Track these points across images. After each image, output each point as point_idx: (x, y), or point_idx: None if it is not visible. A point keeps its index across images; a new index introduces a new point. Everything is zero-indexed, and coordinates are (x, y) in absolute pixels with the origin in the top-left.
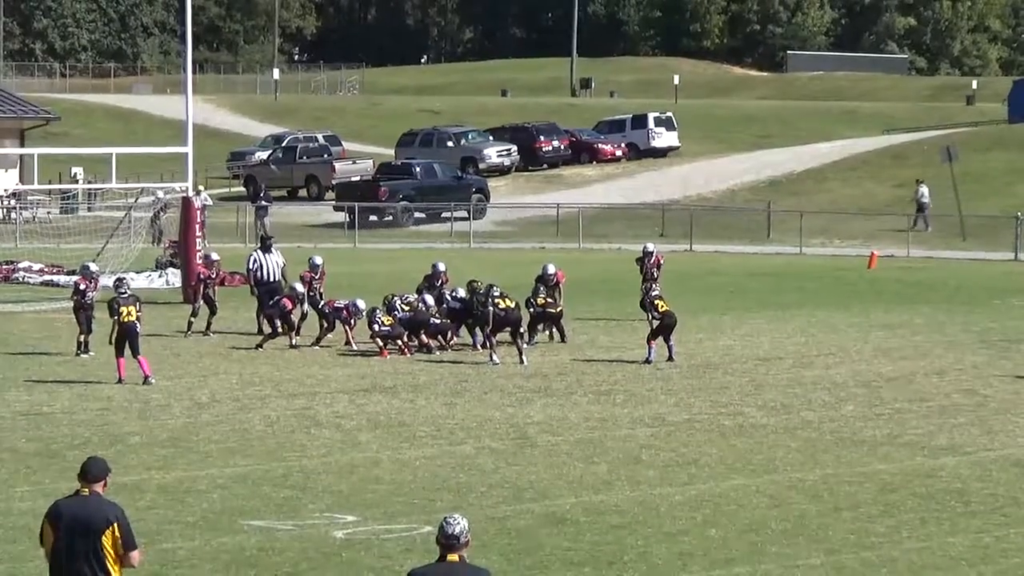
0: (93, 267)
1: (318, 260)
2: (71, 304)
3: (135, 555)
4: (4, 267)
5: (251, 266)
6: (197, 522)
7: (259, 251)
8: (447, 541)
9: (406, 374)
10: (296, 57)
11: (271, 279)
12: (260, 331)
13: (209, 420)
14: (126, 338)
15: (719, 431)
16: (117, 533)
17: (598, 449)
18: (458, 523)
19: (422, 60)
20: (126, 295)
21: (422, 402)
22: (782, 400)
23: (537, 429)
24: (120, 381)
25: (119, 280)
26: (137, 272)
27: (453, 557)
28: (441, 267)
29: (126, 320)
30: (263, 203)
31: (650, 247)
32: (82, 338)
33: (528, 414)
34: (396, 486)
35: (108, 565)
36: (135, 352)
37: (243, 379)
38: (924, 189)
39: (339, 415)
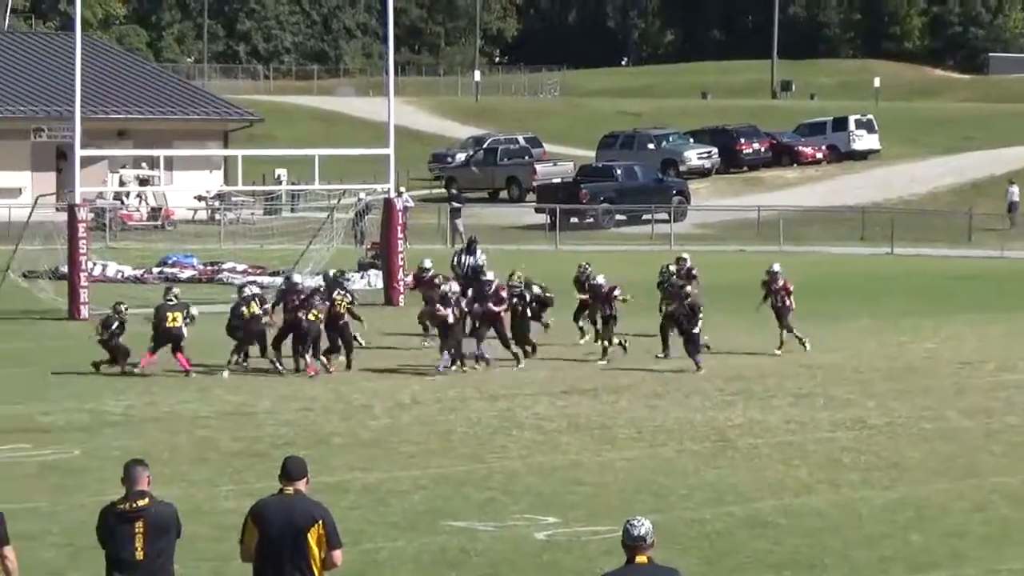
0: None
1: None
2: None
3: (338, 554)
4: (208, 268)
5: (452, 263)
6: (399, 522)
7: (463, 252)
8: (633, 543)
9: (607, 376)
10: (497, 59)
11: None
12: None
13: (411, 421)
14: (169, 341)
15: (921, 435)
16: (322, 531)
17: (799, 452)
18: (643, 524)
19: (622, 62)
20: (173, 303)
21: (623, 404)
22: (985, 404)
23: (738, 432)
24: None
25: (168, 288)
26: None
27: (641, 559)
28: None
29: (172, 325)
30: (456, 205)
31: (775, 267)
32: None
33: (729, 417)
34: (597, 488)
35: (312, 564)
36: (176, 350)
37: (445, 381)
38: (1015, 188)
39: (540, 417)
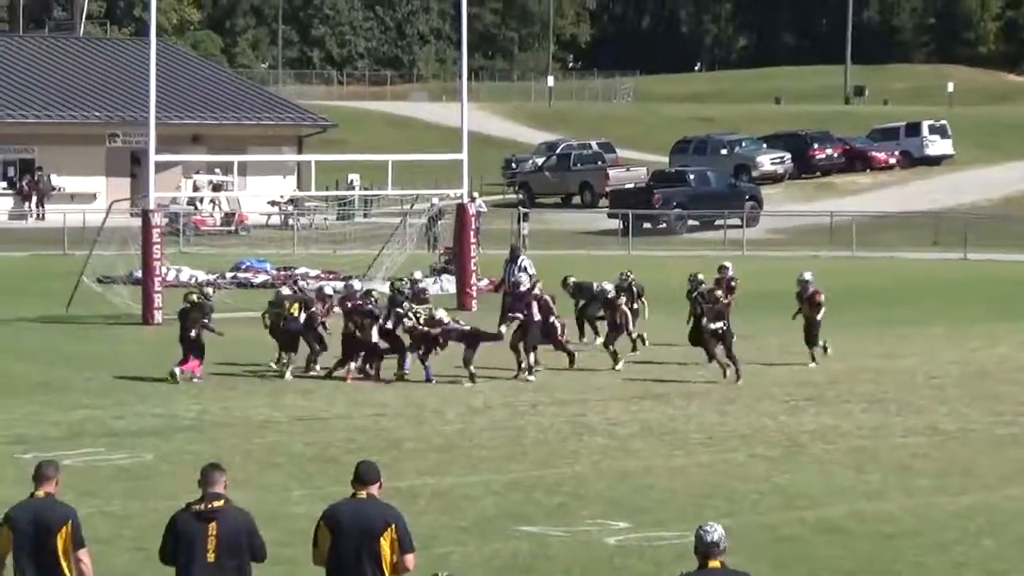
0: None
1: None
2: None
3: (411, 558)
4: (282, 273)
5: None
6: (470, 527)
7: (508, 261)
8: (706, 549)
9: (679, 381)
10: (570, 64)
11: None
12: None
13: (483, 426)
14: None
15: (993, 441)
16: (395, 535)
17: (871, 458)
18: (716, 530)
19: (695, 67)
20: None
21: (694, 409)
22: None
23: (809, 437)
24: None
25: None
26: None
27: (715, 564)
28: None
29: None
30: (523, 210)
31: (806, 275)
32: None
33: (800, 422)
34: (668, 493)
35: (385, 568)
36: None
37: (516, 386)
38: None
39: (612, 422)
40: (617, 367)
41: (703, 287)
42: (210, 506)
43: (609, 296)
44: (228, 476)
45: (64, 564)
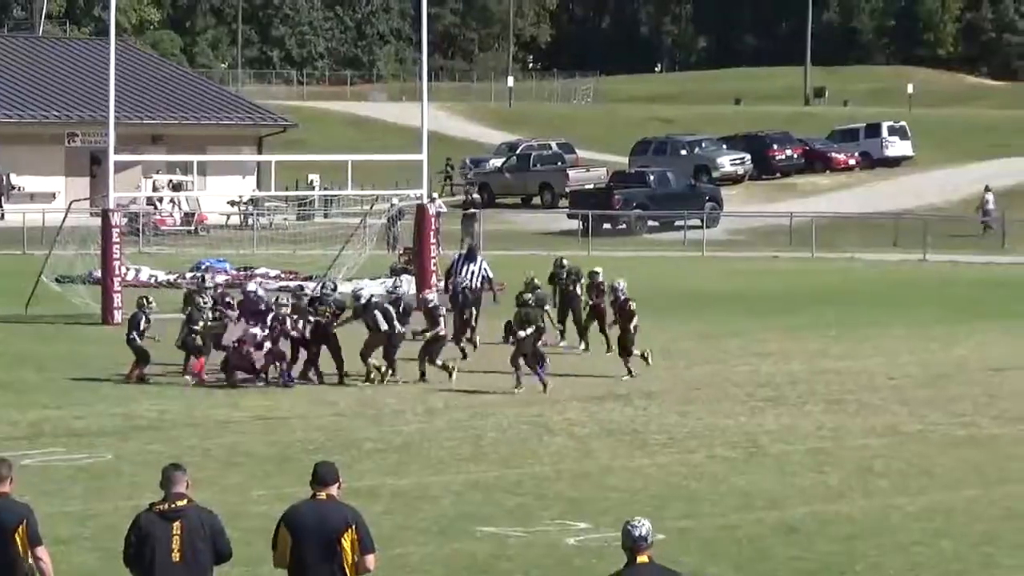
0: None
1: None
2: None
3: (371, 558)
4: (241, 273)
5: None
6: (430, 528)
7: (463, 259)
8: (634, 544)
9: (637, 382)
10: (530, 65)
11: (467, 286)
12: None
13: (442, 427)
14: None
15: (952, 442)
16: (355, 535)
17: (830, 459)
18: (643, 524)
19: (656, 68)
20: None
21: (655, 410)
22: (1017, 411)
23: (769, 438)
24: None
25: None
26: (371, 279)
27: (642, 558)
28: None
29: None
30: (469, 211)
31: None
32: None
33: (760, 423)
34: (628, 494)
35: (346, 568)
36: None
37: (474, 386)
38: (990, 196)
39: (572, 422)
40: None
41: (537, 288)
42: (174, 505)
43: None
44: (188, 476)
45: (27, 562)
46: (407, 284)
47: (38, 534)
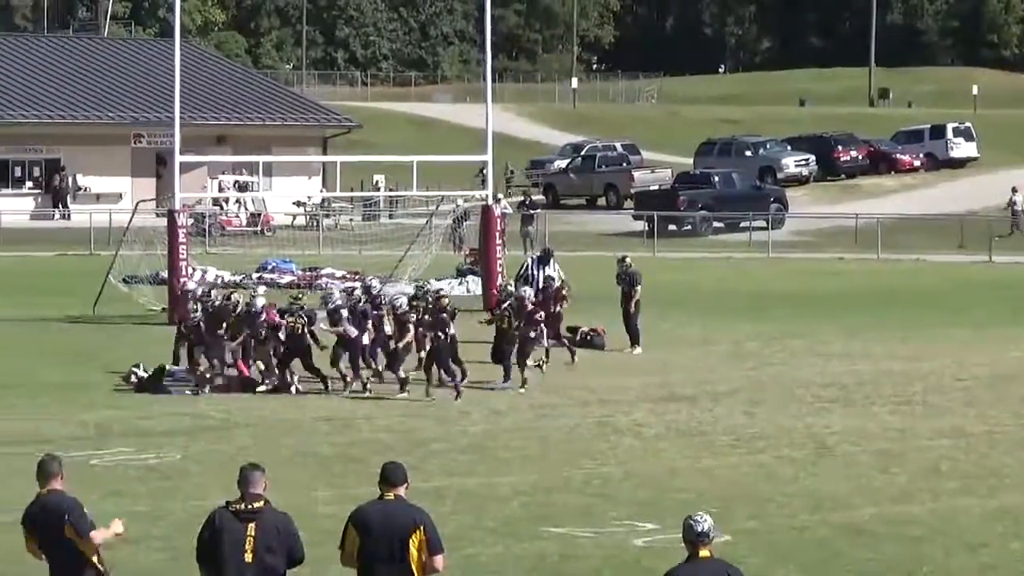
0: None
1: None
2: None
3: (439, 559)
4: (308, 273)
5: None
6: (498, 528)
7: (536, 262)
8: (696, 538)
9: (704, 383)
10: (594, 66)
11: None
12: None
13: (508, 427)
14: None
15: (1020, 443)
16: (423, 536)
17: (897, 460)
18: (706, 520)
19: (719, 69)
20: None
21: (721, 411)
22: None
23: (836, 439)
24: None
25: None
26: (437, 279)
27: (704, 553)
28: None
29: None
30: (530, 212)
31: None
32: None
33: (826, 424)
34: (695, 494)
35: (413, 569)
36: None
37: (541, 387)
38: (1019, 197)
39: (639, 423)
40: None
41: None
42: (250, 506)
43: None
44: (266, 476)
45: (86, 554)
46: (472, 284)
47: (85, 525)
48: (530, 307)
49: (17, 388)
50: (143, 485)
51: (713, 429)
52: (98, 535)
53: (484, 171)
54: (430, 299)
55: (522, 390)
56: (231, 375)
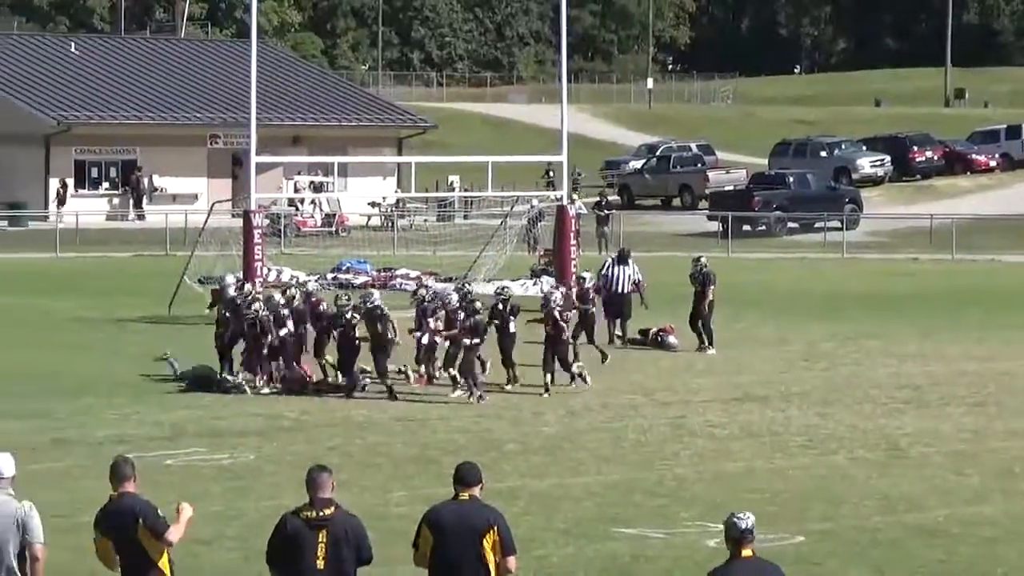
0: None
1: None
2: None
3: (512, 560)
4: (383, 274)
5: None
6: (570, 529)
7: (615, 262)
8: (740, 536)
9: (777, 383)
10: (669, 67)
11: (617, 290)
12: (611, 340)
13: (583, 428)
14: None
15: None
16: (497, 536)
17: (971, 461)
18: (749, 518)
19: (795, 70)
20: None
21: (794, 411)
22: None
23: (909, 440)
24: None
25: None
26: (512, 280)
27: (747, 552)
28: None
29: None
30: (605, 212)
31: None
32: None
33: (900, 425)
34: (769, 495)
35: (488, 569)
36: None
37: (614, 388)
38: None
39: (712, 424)
40: None
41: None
42: (321, 514)
43: None
44: (333, 477)
45: (153, 557)
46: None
47: (160, 526)
48: (556, 308)
49: (94, 387)
50: (217, 485)
51: (786, 430)
52: (174, 532)
53: (550, 172)
54: (464, 301)
55: (546, 395)
56: (291, 375)
